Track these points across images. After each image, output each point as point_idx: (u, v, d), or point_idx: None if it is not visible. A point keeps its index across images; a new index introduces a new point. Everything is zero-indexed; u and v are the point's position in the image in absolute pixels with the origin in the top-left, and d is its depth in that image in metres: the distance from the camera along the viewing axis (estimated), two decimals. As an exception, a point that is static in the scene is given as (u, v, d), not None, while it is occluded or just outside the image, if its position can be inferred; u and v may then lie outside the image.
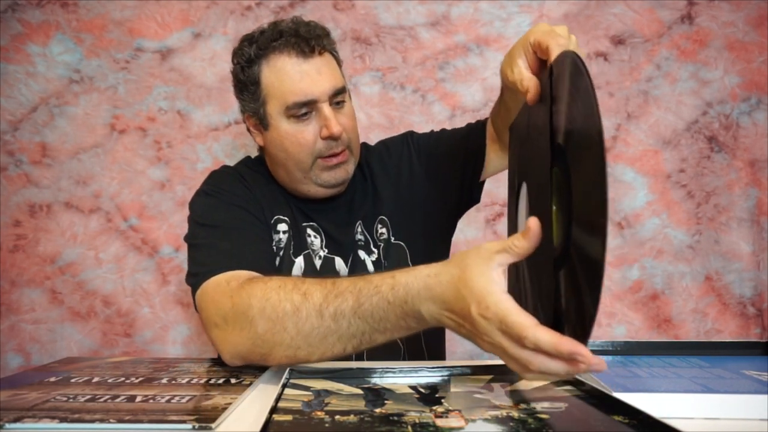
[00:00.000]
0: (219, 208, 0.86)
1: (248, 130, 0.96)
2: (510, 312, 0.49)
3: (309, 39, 0.84)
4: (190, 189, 1.36)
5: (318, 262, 0.92)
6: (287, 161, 0.88)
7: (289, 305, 0.63)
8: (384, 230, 0.95)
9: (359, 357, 0.89)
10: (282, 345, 0.64)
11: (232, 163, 1.36)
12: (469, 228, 1.37)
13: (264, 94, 0.87)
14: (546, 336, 0.47)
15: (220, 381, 0.65)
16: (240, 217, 0.85)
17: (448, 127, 1.04)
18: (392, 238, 0.95)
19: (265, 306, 0.64)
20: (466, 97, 1.40)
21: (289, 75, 0.84)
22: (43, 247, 1.34)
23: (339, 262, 0.92)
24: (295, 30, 0.85)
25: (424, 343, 0.94)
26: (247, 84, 0.88)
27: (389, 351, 0.89)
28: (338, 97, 0.87)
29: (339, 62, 0.92)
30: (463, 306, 0.52)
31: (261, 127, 0.91)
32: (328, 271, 0.91)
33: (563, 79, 0.52)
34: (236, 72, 0.90)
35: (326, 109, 0.84)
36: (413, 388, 0.61)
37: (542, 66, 0.61)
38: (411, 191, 0.98)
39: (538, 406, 0.53)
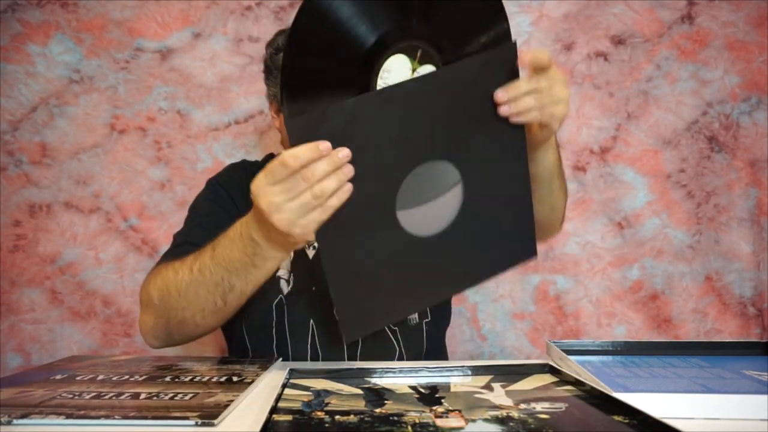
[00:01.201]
0: (203, 204, 0.94)
1: (271, 116, 1.01)
2: (263, 169, 0.60)
3: None
4: (190, 189, 1.37)
5: (311, 252, 0.93)
6: None
7: (171, 272, 0.74)
8: None
9: (352, 357, 0.89)
10: (172, 310, 0.74)
11: (231, 162, 1.37)
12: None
13: None
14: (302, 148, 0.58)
15: (222, 379, 0.65)
16: (213, 213, 0.91)
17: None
18: None
19: (157, 281, 0.76)
20: (466, 97, 1.40)
21: None
22: (43, 247, 1.34)
23: None
24: None
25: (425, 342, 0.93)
26: (272, 70, 0.94)
27: (384, 351, 0.90)
28: None
29: None
30: (257, 210, 0.62)
31: (279, 111, 0.96)
32: (320, 261, 0.92)
33: None
34: (266, 59, 0.96)
35: None
36: (413, 388, 0.61)
37: None
38: None
39: (538, 406, 0.53)
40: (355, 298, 0.64)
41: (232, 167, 1.03)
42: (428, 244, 0.66)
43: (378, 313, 0.66)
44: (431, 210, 0.65)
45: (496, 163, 0.67)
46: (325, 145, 0.56)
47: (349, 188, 0.59)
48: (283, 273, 0.91)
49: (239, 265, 0.68)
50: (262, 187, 0.60)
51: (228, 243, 0.68)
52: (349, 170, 0.58)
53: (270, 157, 1.06)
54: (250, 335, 0.90)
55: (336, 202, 0.59)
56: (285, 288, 0.89)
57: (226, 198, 0.94)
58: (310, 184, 0.57)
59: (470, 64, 0.62)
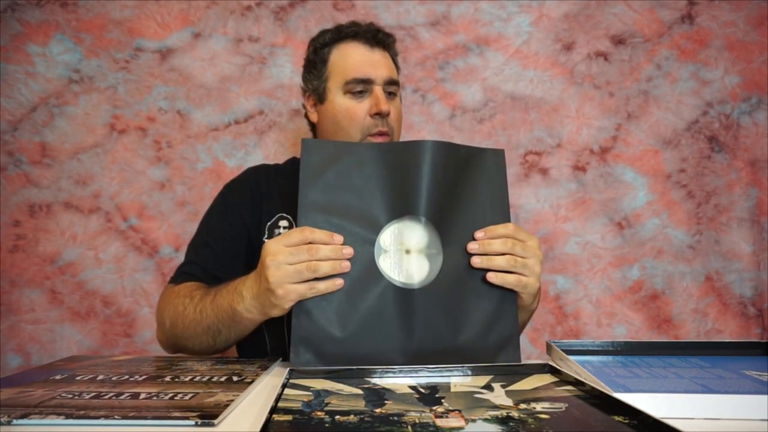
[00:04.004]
0: (214, 216, 0.99)
1: (305, 110, 1.04)
2: (280, 235, 0.70)
3: (377, 34, 0.97)
4: (190, 189, 1.37)
5: None
6: (336, 134, 0.96)
7: (181, 307, 0.83)
8: None
9: None
10: (178, 338, 0.84)
11: (231, 162, 1.38)
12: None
13: (328, 72, 0.97)
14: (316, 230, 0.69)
15: (222, 379, 0.65)
16: (221, 227, 0.97)
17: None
18: None
19: (170, 309, 0.85)
20: (466, 97, 1.40)
21: (354, 56, 0.96)
22: (43, 247, 1.34)
23: None
24: (367, 27, 0.98)
25: None
26: (315, 63, 0.99)
27: None
28: (391, 87, 0.96)
29: (398, 67, 1.03)
30: (260, 263, 0.71)
31: (318, 103, 1.00)
32: None
33: None
34: (309, 54, 1.01)
35: (379, 90, 0.94)
36: (413, 388, 0.61)
37: None
38: None
39: (538, 406, 0.53)
40: (314, 322, 0.68)
41: (248, 172, 1.05)
42: (399, 292, 0.69)
43: (330, 346, 0.68)
44: (411, 263, 0.71)
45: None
46: (338, 237, 0.69)
47: (339, 283, 0.68)
48: None
49: (224, 315, 0.77)
50: (275, 243, 0.69)
51: (225, 292, 0.77)
52: (346, 266, 0.68)
53: (293, 161, 1.07)
54: (269, 331, 0.93)
55: (323, 287, 0.67)
56: None
57: (236, 210, 0.97)
58: (311, 257, 0.67)
59: (469, 149, 0.74)
